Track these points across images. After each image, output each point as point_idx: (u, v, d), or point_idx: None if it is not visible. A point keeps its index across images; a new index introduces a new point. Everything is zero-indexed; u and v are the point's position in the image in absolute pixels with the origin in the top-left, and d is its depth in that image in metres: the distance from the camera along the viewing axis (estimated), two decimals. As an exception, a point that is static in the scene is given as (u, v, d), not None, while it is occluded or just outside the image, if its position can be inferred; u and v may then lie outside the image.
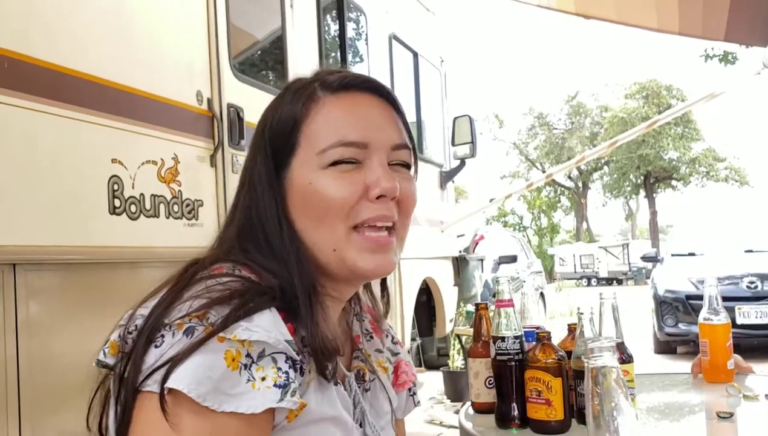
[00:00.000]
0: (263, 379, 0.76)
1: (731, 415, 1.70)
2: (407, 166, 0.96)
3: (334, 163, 0.89)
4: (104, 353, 0.83)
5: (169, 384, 0.73)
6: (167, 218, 2.59)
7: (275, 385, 0.76)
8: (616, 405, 0.80)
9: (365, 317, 1.08)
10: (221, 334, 0.75)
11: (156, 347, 0.77)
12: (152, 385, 0.75)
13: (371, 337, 1.06)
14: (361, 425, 0.93)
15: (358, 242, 0.89)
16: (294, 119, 0.90)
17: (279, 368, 0.77)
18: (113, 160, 2.37)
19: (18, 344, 1.97)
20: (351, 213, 0.89)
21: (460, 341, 5.93)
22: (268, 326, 0.78)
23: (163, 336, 0.77)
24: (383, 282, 1.09)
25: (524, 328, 1.64)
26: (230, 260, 0.88)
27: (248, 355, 0.76)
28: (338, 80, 0.93)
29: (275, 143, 0.91)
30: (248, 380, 0.75)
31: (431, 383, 6.54)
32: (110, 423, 0.83)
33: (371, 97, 0.94)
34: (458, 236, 7.33)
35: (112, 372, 0.82)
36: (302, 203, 0.89)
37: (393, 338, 1.11)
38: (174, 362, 0.74)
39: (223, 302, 0.79)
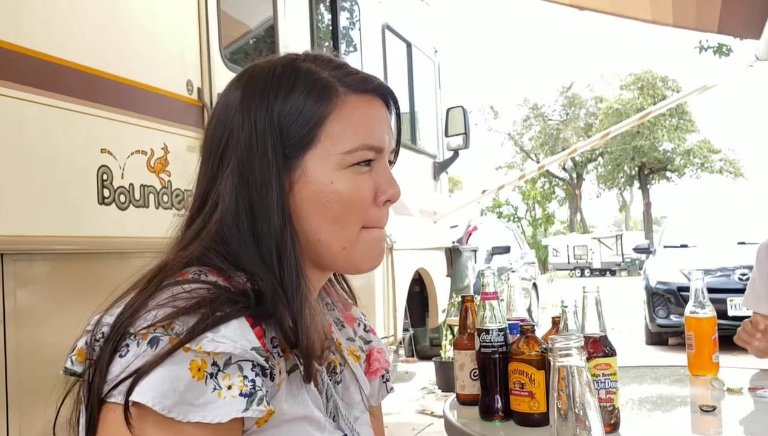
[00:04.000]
0: (229, 388, 0.75)
1: (714, 408, 1.72)
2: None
3: (354, 165, 0.90)
4: (71, 361, 0.81)
5: (134, 397, 0.72)
6: (157, 208, 2.58)
7: (241, 394, 0.75)
8: (583, 407, 0.79)
9: (335, 307, 1.07)
10: (187, 345, 0.74)
11: (121, 356, 0.76)
12: (117, 397, 0.74)
13: (343, 326, 1.06)
14: (334, 419, 0.92)
15: (366, 241, 0.92)
16: (319, 114, 0.88)
17: (245, 377, 0.76)
18: (102, 150, 2.37)
19: (5, 334, 1.97)
20: (365, 215, 0.91)
21: (452, 332, 5.95)
22: (234, 336, 0.77)
23: (127, 346, 0.76)
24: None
25: (509, 320, 1.65)
26: (201, 262, 0.86)
27: (214, 363, 0.75)
28: (361, 83, 0.93)
29: (289, 133, 0.88)
30: (214, 389, 0.74)
31: (423, 373, 6.57)
32: (81, 431, 0.81)
33: (380, 101, 0.96)
34: (451, 227, 7.34)
35: (80, 379, 0.81)
36: (317, 200, 0.88)
37: (365, 326, 1.11)
38: (139, 374, 0.73)
39: (188, 312, 0.77)
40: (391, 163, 0.98)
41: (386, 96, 0.97)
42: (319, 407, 0.89)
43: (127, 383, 0.73)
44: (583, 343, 0.81)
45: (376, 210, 0.92)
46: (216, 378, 0.75)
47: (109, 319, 0.80)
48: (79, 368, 0.81)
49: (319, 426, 0.87)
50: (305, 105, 0.88)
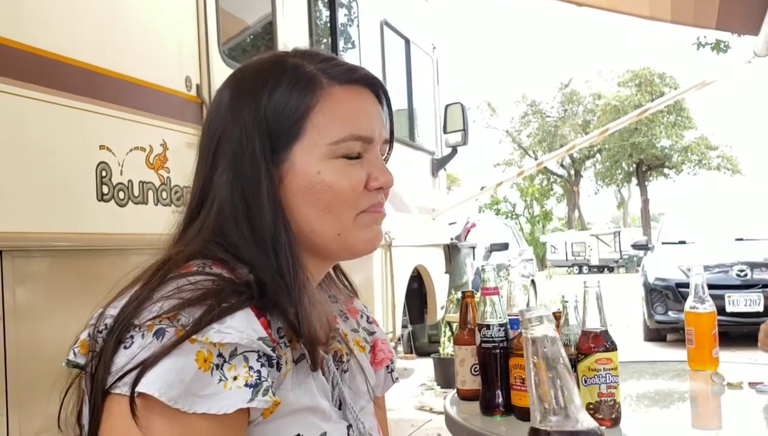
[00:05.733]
0: (235, 378, 0.75)
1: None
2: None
3: (343, 155, 0.90)
4: (74, 353, 0.82)
5: (140, 388, 0.72)
6: (156, 204, 2.58)
7: (246, 385, 0.76)
8: (557, 374, 0.80)
9: (337, 299, 1.09)
10: (193, 336, 0.75)
11: (125, 348, 0.76)
12: (122, 388, 0.74)
13: (346, 317, 1.07)
14: (339, 408, 0.93)
15: (361, 222, 0.92)
16: (303, 107, 0.89)
17: (251, 367, 0.77)
18: (101, 147, 2.36)
19: (5, 331, 1.97)
20: (357, 202, 0.91)
21: (451, 329, 5.96)
22: (240, 326, 0.78)
23: (132, 337, 0.77)
24: (336, 267, 1.10)
25: (509, 316, 1.65)
26: (203, 254, 0.86)
27: (220, 355, 0.76)
28: (346, 73, 0.93)
29: (276, 127, 0.89)
30: (220, 380, 0.75)
31: (422, 369, 6.57)
32: (85, 422, 0.81)
33: (369, 92, 0.96)
34: (450, 224, 7.34)
35: (83, 372, 0.81)
36: (307, 191, 0.89)
37: (368, 317, 1.12)
38: (145, 365, 0.73)
39: (194, 304, 0.78)
40: (386, 156, 0.98)
41: (374, 87, 0.97)
42: (327, 395, 0.90)
43: (133, 374, 0.73)
44: (552, 313, 0.86)
45: (369, 195, 0.93)
46: (222, 369, 0.75)
47: (113, 311, 0.81)
48: (81, 360, 0.81)
49: (324, 416, 0.87)
50: (290, 98, 0.90)
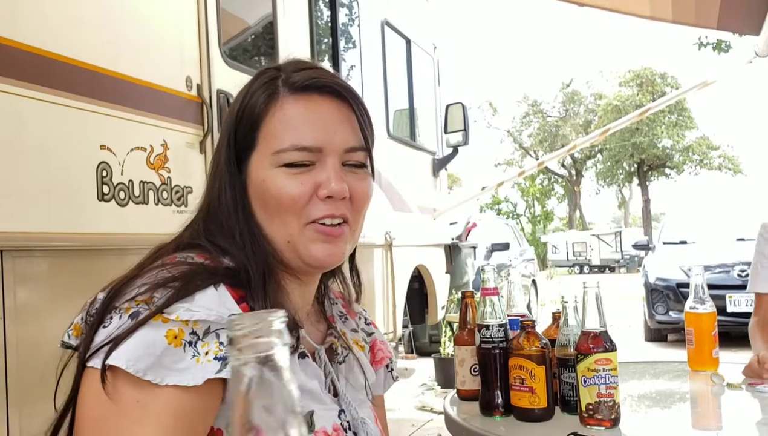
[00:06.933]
0: (207, 354, 0.80)
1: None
2: (363, 166, 0.99)
3: (288, 164, 0.93)
4: (68, 335, 0.88)
5: (109, 361, 0.77)
6: (156, 204, 2.58)
7: (216, 358, 0.80)
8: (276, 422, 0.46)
9: (337, 301, 1.12)
10: (164, 315, 0.80)
11: (104, 327, 0.82)
12: (95, 361, 0.80)
13: (346, 318, 1.10)
14: (335, 396, 0.97)
15: (310, 234, 0.94)
16: (256, 116, 0.95)
17: (221, 342, 0.81)
18: (102, 147, 2.36)
19: (5, 330, 1.97)
20: (303, 211, 0.93)
21: (452, 329, 5.96)
22: (210, 305, 0.83)
23: (111, 318, 0.82)
24: (352, 265, 1.12)
25: (509, 316, 1.65)
26: (189, 245, 0.93)
27: (193, 332, 0.81)
28: (300, 81, 0.95)
29: (238, 135, 0.96)
30: (193, 356, 0.79)
31: (423, 369, 6.57)
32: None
33: (330, 99, 0.96)
34: (451, 224, 7.34)
35: (76, 353, 0.87)
36: (258, 197, 0.94)
37: (366, 319, 1.16)
38: (116, 340, 0.78)
39: (167, 285, 0.83)
40: (357, 164, 0.97)
41: (339, 94, 0.97)
42: (319, 380, 0.94)
43: (105, 348, 0.78)
44: (285, 319, 0.49)
45: (317, 204, 0.93)
46: (195, 346, 0.80)
47: (103, 296, 0.87)
48: (74, 342, 0.87)
49: (312, 396, 0.91)
50: (250, 107, 0.96)
